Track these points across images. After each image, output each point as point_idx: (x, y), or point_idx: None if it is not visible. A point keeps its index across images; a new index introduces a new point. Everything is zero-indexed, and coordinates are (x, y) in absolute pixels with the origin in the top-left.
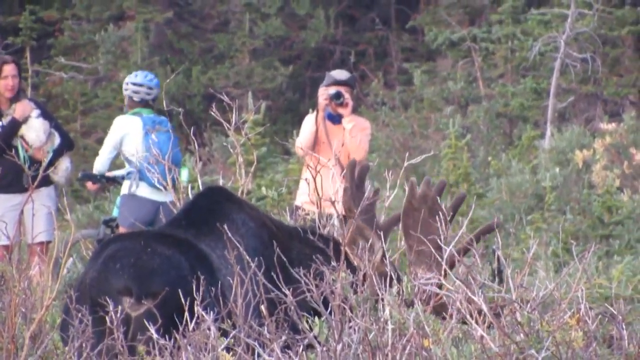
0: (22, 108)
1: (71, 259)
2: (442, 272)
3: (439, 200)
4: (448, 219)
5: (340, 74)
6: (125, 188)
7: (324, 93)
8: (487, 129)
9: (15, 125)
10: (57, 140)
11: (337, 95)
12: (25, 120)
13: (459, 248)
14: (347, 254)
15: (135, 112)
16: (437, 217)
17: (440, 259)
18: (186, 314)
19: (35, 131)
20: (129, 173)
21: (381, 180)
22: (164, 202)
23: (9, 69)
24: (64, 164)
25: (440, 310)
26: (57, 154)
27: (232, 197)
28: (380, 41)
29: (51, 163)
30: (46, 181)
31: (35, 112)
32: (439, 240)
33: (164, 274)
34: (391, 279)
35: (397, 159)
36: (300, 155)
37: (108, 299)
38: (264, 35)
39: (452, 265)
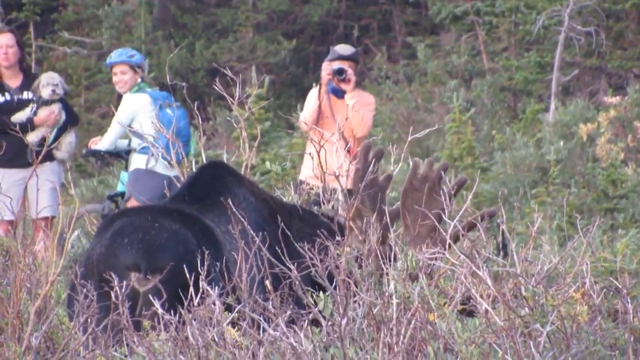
0: (46, 117)
1: (75, 234)
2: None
3: (440, 183)
4: (448, 201)
5: (344, 49)
6: (139, 162)
7: (327, 68)
8: (491, 103)
9: (30, 123)
10: (62, 118)
11: (340, 71)
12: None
13: (462, 225)
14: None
15: (140, 89)
16: (436, 198)
17: (439, 238)
18: (193, 288)
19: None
20: (143, 147)
21: (385, 154)
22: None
23: (3, 38)
24: (68, 138)
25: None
26: (62, 131)
27: (233, 172)
28: (384, 15)
29: (55, 139)
30: (50, 156)
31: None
32: (437, 219)
33: (171, 249)
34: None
35: (401, 133)
36: (304, 130)
37: (116, 275)
38: (268, 9)
39: (455, 240)
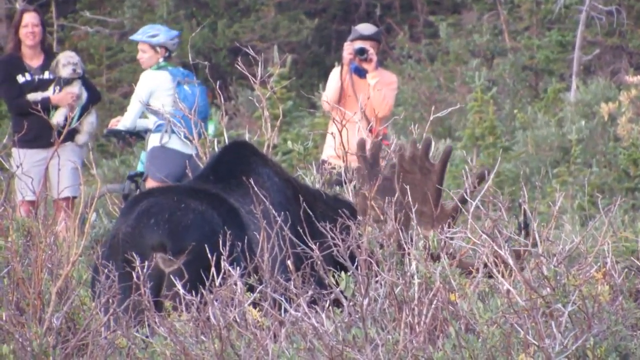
0: (64, 96)
1: (94, 214)
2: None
3: (428, 158)
4: (438, 175)
5: (366, 28)
6: (155, 140)
7: (348, 47)
8: (513, 82)
9: (46, 103)
10: (84, 97)
11: (362, 51)
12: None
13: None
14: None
15: (161, 67)
16: (429, 175)
17: (446, 213)
18: (217, 269)
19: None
20: (158, 126)
21: (407, 134)
22: (191, 154)
23: (29, 17)
24: (89, 118)
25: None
26: (84, 110)
27: (257, 152)
28: None
29: (79, 118)
30: (71, 136)
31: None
32: (437, 196)
33: (198, 229)
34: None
35: (423, 112)
36: (326, 109)
37: (141, 255)
38: None
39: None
